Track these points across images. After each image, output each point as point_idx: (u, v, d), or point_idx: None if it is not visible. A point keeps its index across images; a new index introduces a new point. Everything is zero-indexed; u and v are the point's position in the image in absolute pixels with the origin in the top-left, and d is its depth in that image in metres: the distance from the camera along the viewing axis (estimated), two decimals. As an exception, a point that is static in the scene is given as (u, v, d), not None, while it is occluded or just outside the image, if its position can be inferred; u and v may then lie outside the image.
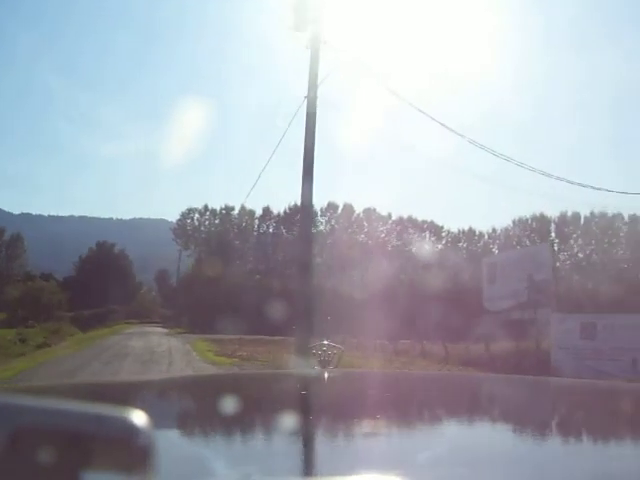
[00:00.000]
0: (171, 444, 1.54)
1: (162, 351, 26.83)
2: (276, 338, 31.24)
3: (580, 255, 70.68)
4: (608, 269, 62.21)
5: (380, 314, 33.38)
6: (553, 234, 71.65)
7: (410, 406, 2.38)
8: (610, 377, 15.44)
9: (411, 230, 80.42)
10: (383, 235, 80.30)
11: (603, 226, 68.93)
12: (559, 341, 18.36)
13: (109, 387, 2.98)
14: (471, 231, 78.41)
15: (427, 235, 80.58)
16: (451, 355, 26.92)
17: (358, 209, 79.24)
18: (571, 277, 61.77)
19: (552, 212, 70.88)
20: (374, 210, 79.68)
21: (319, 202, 76.25)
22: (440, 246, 78.78)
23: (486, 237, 77.20)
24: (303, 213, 20.97)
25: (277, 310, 25.71)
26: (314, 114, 19.23)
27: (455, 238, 79.44)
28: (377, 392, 2.57)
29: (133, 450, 0.90)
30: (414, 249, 76.89)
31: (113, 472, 0.90)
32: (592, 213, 69.09)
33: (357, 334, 34.69)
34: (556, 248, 70.33)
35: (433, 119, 21.74)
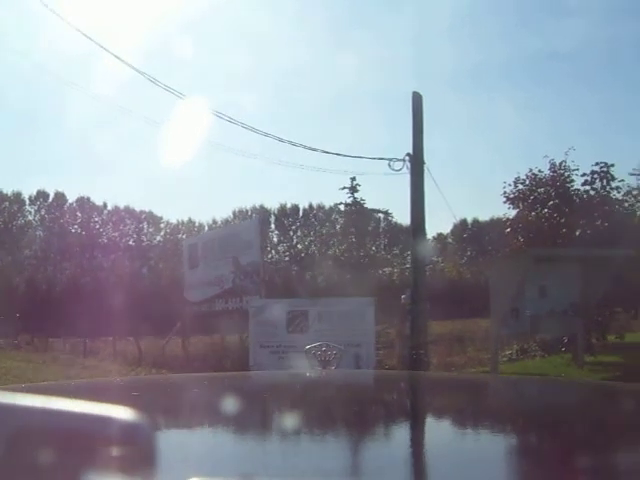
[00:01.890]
0: (172, 444, 1.45)
1: None
2: None
3: (299, 246, 68.86)
4: (327, 260, 60.95)
5: (83, 310, 28.62)
6: (273, 225, 69.58)
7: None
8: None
9: (128, 221, 73.91)
10: (98, 226, 73.08)
11: (321, 218, 68.08)
12: (259, 336, 13.34)
13: (111, 387, 2.71)
14: (191, 222, 73.50)
15: (145, 226, 74.50)
16: (146, 354, 22.60)
17: (71, 198, 71.40)
18: (290, 268, 60.44)
19: (272, 204, 68.71)
20: (88, 199, 72.26)
21: (28, 190, 68.04)
22: (159, 237, 73.87)
23: (206, 228, 72.86)
24: None
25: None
26: None
27: (174, 229, 74.08)
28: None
29: (136, 450, 0.90)
30: (131, 241, 71.77)
31: (116, 472, 0.88)
32: (310, 205, 68.06)
33: (52, 332, 30.32)
34: (275, 240, 69.49)
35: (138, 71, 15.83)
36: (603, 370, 15.33)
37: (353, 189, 32.65)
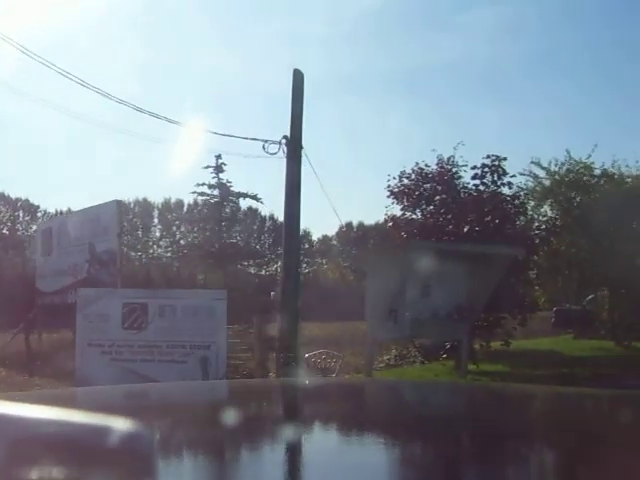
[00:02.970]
0: (171, 454, 1.43)
1: None
2: None
3: (182, 242, 66.15)
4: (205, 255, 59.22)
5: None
6: (156, 220, 66.63)
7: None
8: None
9: (2, 208, 69.21)
10: (-30, 212, 68.16)
11: (205, 214, 65.65)
12: (87, 332, 10.91)
13: (111, 395, 2.46)
14: (70, 212, 69.11)
15: (21, 214, 69.88)
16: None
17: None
18: (172, 264, 58.15)
19: (156, 198, 65.85)
20: (-40, 184, 67.26)
21: None
22: (35, 227, 69.49)
23: (85, 219, 68.72)
24: None
25: None
26: None
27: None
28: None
29: (135, 460, 0.89)
30: (5, 229, 67.33)
31: None
32: (195, 201, 65.51)
33: None
34: (158, 234, 66.65)
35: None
36: (489, 380, 13.78)
37: (218, 169, 30.19)
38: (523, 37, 69.62)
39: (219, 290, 11.51)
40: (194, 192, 37.34)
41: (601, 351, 19.03)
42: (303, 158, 15.12)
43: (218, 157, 31.04)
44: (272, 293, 15.35)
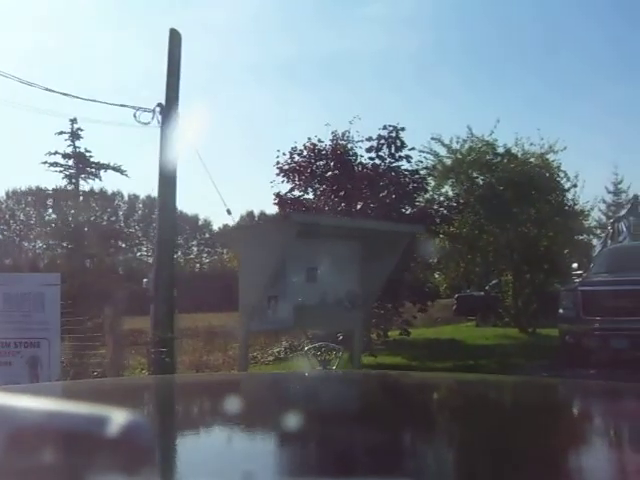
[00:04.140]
0: (171, 444, 1.33)
1: None
2: None
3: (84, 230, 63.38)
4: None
5: None
6: (51, 209, 63.14)
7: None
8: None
9: None
10: None
11: (102, 204, 63.15)
12: None
13: (110, 387, 2.43)
14: None
15: None
16: None
17: None
18: (72, 254, 55.50)
19: (50, 184, 62.51)
20: None
21: None
22: None
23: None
24: None
25: None
26: None
27: None
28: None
29: (133, 450, 0.87)
30: None
31: (114, 472, 0.85)
32: (92, 189, 62.73)
33: None
34: (52, 218, 63.77)
35: None
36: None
37: (74, 135, 27.27)
38: (424, 27, 69.78)
39: (50, 274, 9.41)
40: (45, 162, 33.38)
41: (505, 339, 17.91)
42: (184, 130, 13.37)
43: (73, 121, 27.80)
44: (145, 280, 13.42)
